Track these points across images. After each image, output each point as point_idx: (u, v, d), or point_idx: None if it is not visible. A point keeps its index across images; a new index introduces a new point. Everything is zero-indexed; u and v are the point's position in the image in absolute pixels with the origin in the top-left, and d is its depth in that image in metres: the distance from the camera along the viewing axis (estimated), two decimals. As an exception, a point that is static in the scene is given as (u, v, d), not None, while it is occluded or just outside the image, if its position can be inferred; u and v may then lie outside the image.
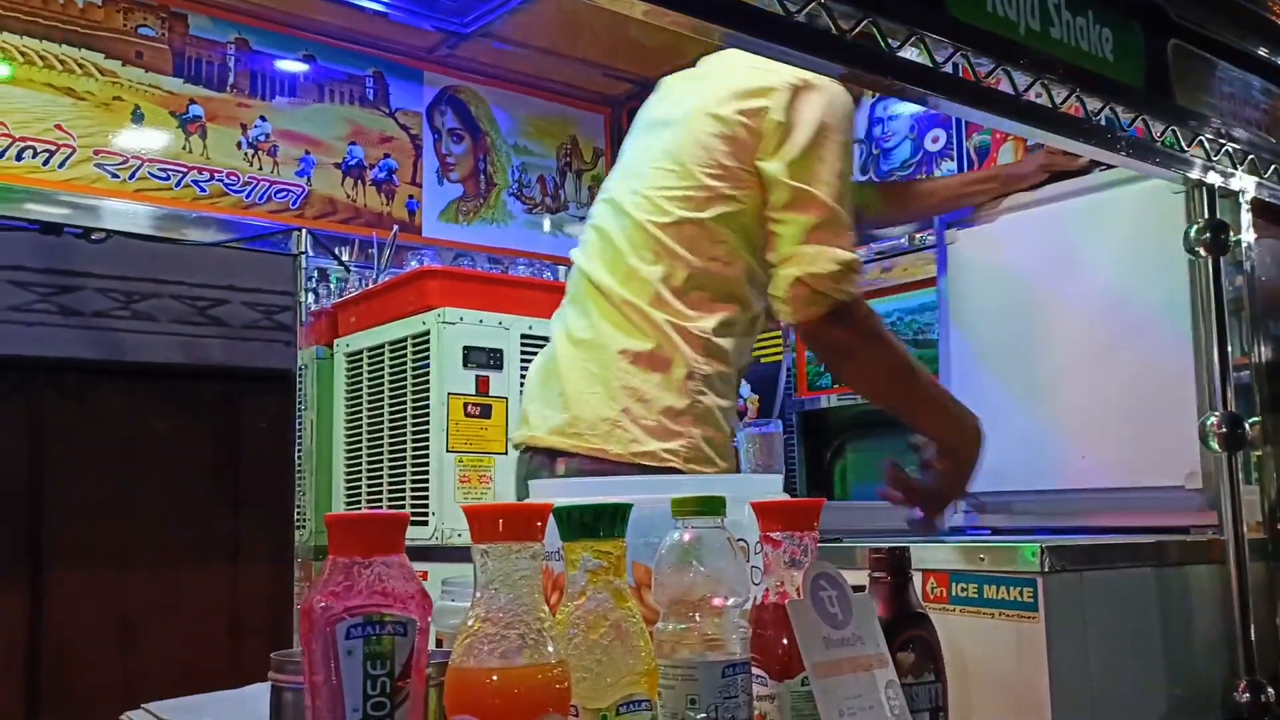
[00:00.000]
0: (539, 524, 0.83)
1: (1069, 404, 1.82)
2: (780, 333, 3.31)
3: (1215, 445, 1.39)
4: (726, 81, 1.77)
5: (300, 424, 3.07)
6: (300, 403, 3.07)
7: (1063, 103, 1.23)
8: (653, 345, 1.73)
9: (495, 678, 0.79)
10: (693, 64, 1.99)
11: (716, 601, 0.95)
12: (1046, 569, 1.17)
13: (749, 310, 1.80)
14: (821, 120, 1.69)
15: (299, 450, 3.06)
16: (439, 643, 1.10)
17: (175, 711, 1.73)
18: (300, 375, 3.08)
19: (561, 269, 3.65)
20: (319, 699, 0.77)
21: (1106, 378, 1.76)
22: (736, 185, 1.73)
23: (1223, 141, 1.44)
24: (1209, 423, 1.38)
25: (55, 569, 3.81)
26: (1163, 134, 1.36)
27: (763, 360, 3.36)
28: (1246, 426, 1.40)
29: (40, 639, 3.76)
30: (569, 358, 1.79)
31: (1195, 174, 1.41)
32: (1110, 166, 1.75)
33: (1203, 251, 1.40)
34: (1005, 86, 1.18)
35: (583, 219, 3.86)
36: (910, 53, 1.10)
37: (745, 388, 3.38)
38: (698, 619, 0.94)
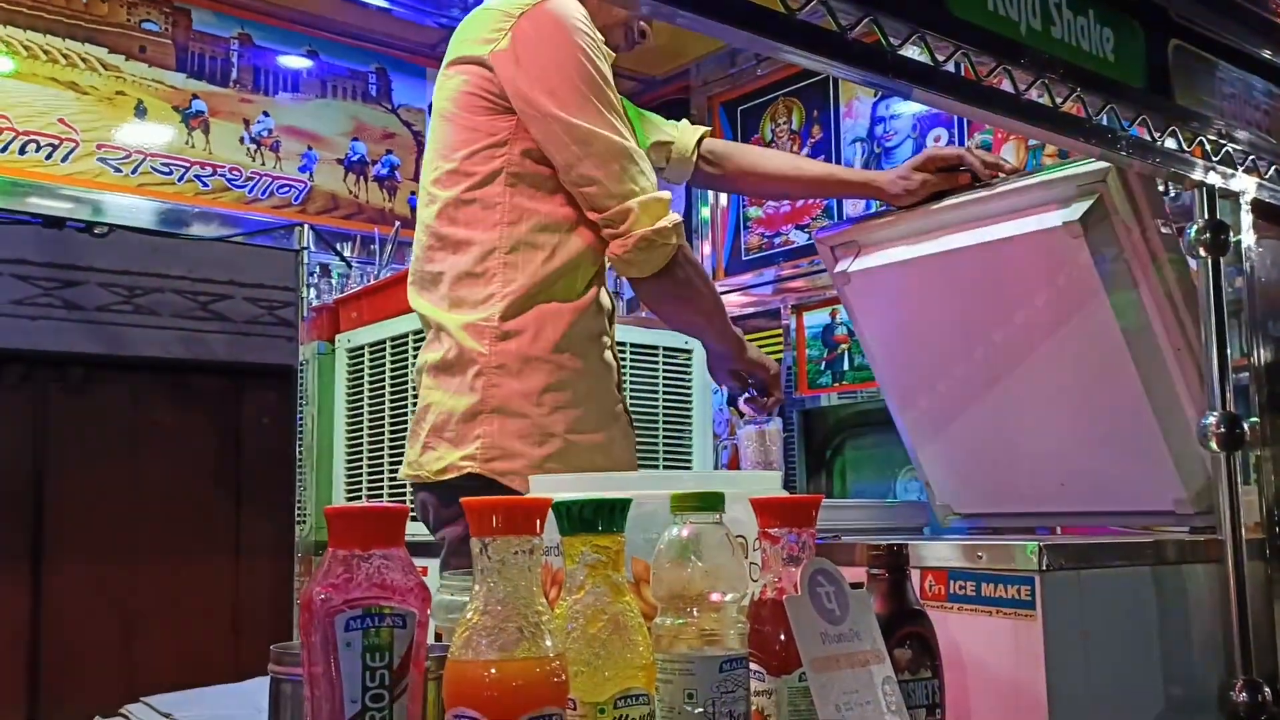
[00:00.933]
0: (538, 518, 0.83)
1: (1032, 433, 1.72)
2: (781, 331, 3.31)
3: (1214, 445, 1.39)
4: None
5: (302, 419, 3.07)
6: (302, 398, 3.08)
7: (1063, 102, 1.23)
8: (446, 351, 1.69)
9: (493, 670, 0.79)
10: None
11: (714, 597, 0.95)
12: (1044, 567, 1.17)
13: (548, 280, 1.69)
14: None
15: (300, 445, 3.06)
16: (438, 637, 1.10)
17: (174, 704, 1.74)
18: (302, 370, 3.09)
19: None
20: (318, 690, 0.78)
21: (1062, 407, 1.66)
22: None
23: (1223, 142, 1.44)
24: (1208, 422, 1.38)
25: (57, 561, 3.82)
26: (1163, 134, 1.36)
27: (764, 358, 3.36)
28: (1245, 427, 1.40)
29: (42, 631, 3.77)
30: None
31: (1196, 174, 1.42)
32: (994, 190, 1.71)
33: (1203, 252, 1.40)
34: (1006, 86, 1.18)
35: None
36: (911, 51, 1.10)
37: (746, 386, 3.37)
38: (696, 614, 0.95)
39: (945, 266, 1.70)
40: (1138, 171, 1.45)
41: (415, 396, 2.61)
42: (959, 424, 1.79)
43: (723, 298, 1.98)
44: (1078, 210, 1.50)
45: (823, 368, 3.21)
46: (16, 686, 3.70)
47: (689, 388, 3.01)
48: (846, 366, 3.15)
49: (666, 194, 1.71)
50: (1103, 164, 1.47)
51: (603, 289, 1.76)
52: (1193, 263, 1.47)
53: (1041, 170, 1.67)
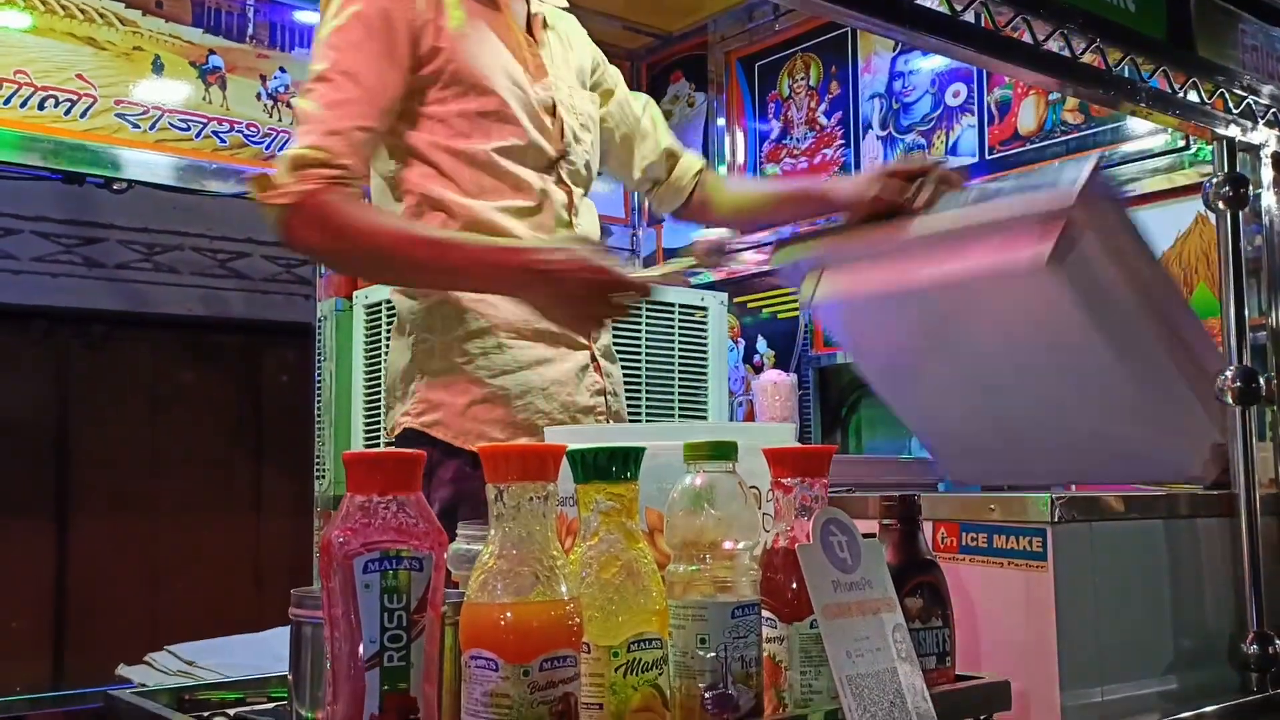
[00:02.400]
0: (552, 464, 0.85)
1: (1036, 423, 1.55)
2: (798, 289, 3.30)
3: (1230, 399, 1.39)
4: None
5: (320, 375, 3.09)
6: (320, 354, 3.10)
7: (1082, 53, 1.22)
8: (399, 316, 1.67)
9: (509, 613, 0.81)
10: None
11: (727, 545, 0.96)
12: (1056, 519, 1.18)
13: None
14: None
15: (319, 401, 3.08)
16: (454, 586, 1.12)
17: (197, 652, 1.77)
18: (320, 327, 3.10)
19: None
20: (337, 632, 0.79)
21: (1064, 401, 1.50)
22: None
23: (1244, 95, 1.43)
24: (1224, 377, 1.38)
25: (81, 515, 3.87)
26: (1184, 86, 1.35)
27: (779, 316, 3.37)
28: (1261, 382, 1.40)
29: (67, 584, 3.83)
30: None
31: (1216, 127, 1.40)
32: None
33: (1221, 205, 1.39)
34: (1025, 36, 1.18)
35: (601, 173, 3.86)
36: (929, 1, 1.09)
37: (762, 343, 3.39)
38: (709, 561, 0.96)
39: (916, 295, 1.52)
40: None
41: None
42: (955, 419, 1.65)
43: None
44: (1046, 247, 1.29)
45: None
46: (43, 637, 3.77)
47: (704, 344, 3.02)
48: (863, 324, 3.14)
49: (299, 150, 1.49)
50: (1070, 188, 1.28)
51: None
52: (1212, 216, 1.46)
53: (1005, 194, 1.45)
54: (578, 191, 1.72)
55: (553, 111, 1.68)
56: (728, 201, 1.97)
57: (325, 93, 1.50)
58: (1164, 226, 2.50)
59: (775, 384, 2.83)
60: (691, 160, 1.97)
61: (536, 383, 1.61)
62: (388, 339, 2.82)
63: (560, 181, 1.68)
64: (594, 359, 1.70)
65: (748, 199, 1.99)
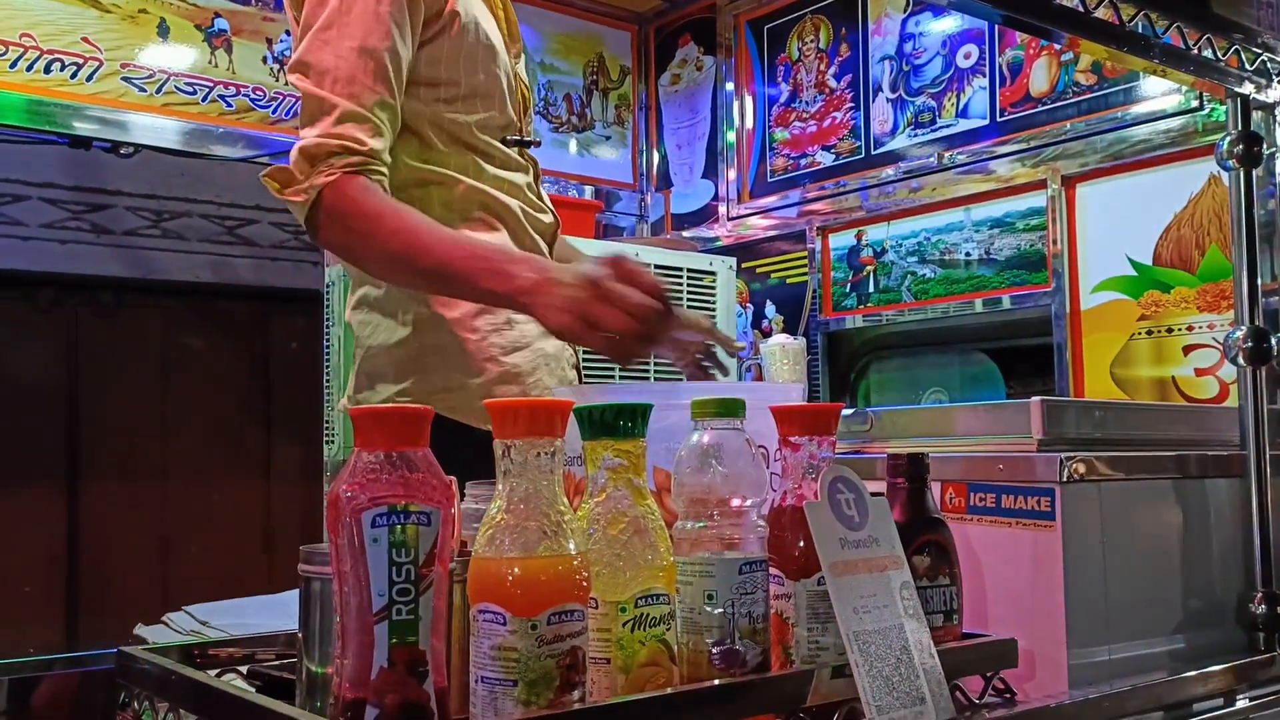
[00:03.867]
0: (559, 419, 0.84)
1: None
2: (806, 253, 3.29)
3: (1240, 360, 1.38)
4: None
5: (328, 341, 3.10)
6: (328, 320, 3.10)
7: (1096, 8, 1.21)
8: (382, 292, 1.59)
9: (517, 568, 0.81)
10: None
11: (735, 502, 0.96)
12: (1064, 479, 1.17)
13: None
14: None
15: (327, 366, 3.09)
16: (463, 544, 1.12)
17: (213, 613, 1.77)
18: (328, 293, 3.10)
19: (588, 188, 3.64)
20: (346, 586, 0.80)
21: None
22: None
23: (1259, 52, 1.41)
24: (1235, 336, 1.37)
25: (92, 481, 3.90)
26: (1198, 43, 1.33)
27: (788, 281, 3.36)
28: (1273, 341, 1.39)
29: (78, 549, 3.86)
30: None
31: (1230, 84, 1.39)
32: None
33: (1234, 164, 1.38)
34: (1037, -10, 1.16)
35: (609, 139, 3.85)
36: (940, -45, 1.08)
37: (770, 308, 3.38)
38: (716, 518, 0.96)
39: None
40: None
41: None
42: None
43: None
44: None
45: (848, 290, 3.20)
46: (55, 601, 3.81)
47: (713, 309, 3.01)
48: (871, 289, 3.14)
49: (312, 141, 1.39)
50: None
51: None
52: (1225, 176, 1.45)
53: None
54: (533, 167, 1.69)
55: (520, 80, 1.65)
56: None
57: (337, 68, 1.40)
58: (1177, 188, 2.48)
59: (784, 347, 2.82)
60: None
61: (541, 358, 1.58)
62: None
63: (524, 155, 1.65)
64: None
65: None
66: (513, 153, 1.60)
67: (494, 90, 1.56)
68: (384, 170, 1.42)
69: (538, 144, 1.65)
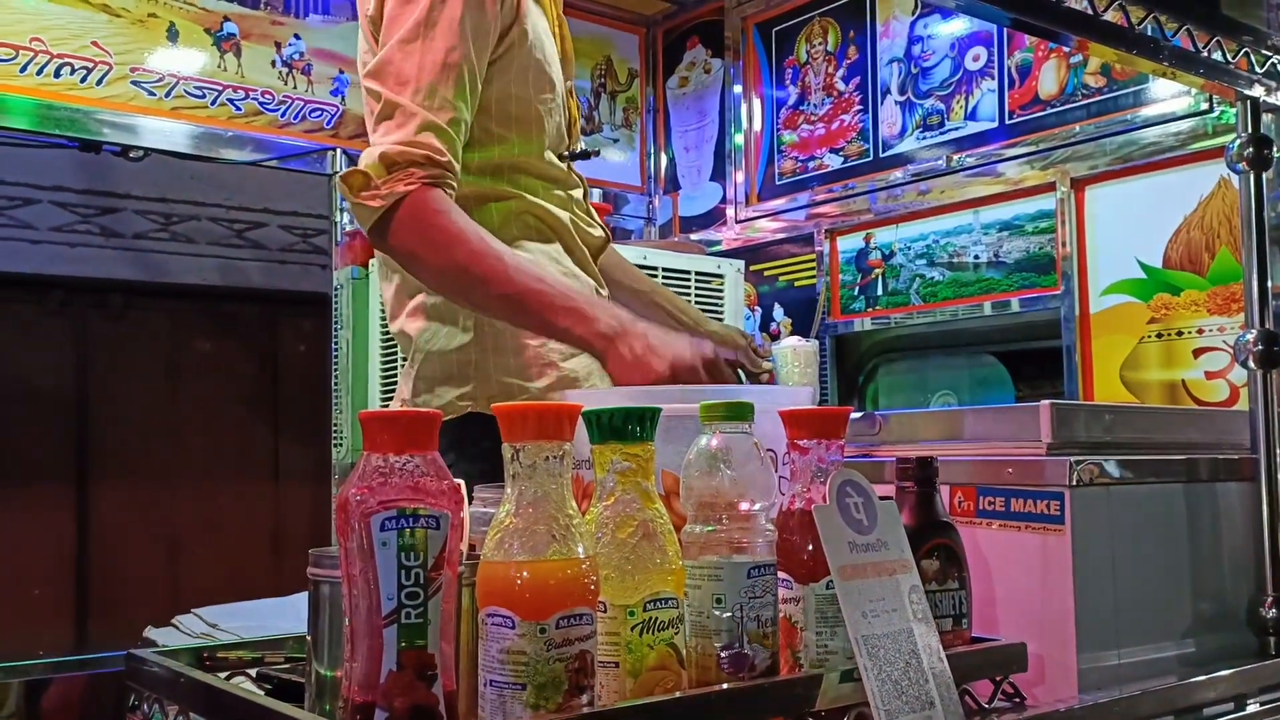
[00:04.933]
0: (568, 423, 0.84)
1: None
2: (814, 256, 3.29)
3: (1251, 363, 1.37)
4: None
5: (336, 344, 3.10)
6: (336, 323, 3.11)
7: (1105, 10, 1.20)
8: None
9: (526, 571, 0.81)
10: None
11: (743, 506, 0.96)
12: (1074, 483, 1.17)
13: None
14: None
15: (335, 369, 3.10)
16: (472, 548, 1.12)
17: (222, 616, 1.78)
18: (336, 296, 3.11)
19: (596, 191, 3.64)
20: (355, 589, 0.80)
21: None
22: None
23: (1269, 55, 1.40)
24: (1246, 339, 1.37)
25: (101, 484, 3.91)
26: (1208, 45, 1.33)
27: (796, 284, 3.36)
28: (1283, 345, 1.38)
29: (88, 550, 3.87)
30: None
31: (1240, 87, 1.38)
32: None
33: (1244, 166, 1.38)
34: (1046, -7, 1.16)
35: (617, 142, 3.85)
36: (948, -43, 1.07)
37: (778, 310, 3.38)
38: (725, 522, 0.96)
39: None
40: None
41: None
42: None
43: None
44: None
45: (856, 293, 3.20)
46: (64, 603, 3.82)
47: (721, 311, 3.01)
48: (880, 291, 3.13)
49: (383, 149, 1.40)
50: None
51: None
52: (1235, 179, 1.44)
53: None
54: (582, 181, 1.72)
55: (572, 94, 1.68)
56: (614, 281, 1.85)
57: (419, 79, 1.41)
58: (1186, 190, 2.47)
59: (795, 349, 2.79)
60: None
61: (595, 364, 1.57)
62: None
63: (572, 170, 1.67)
64: None
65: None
66: (564, 168, 1.62)
67: (550, 107, 1.58)
68: (457, 185, 1.44)
69: (595, 154, 1.66)
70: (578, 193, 1.67)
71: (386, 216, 1.38)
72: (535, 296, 1.39)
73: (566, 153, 1.65)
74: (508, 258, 1.40)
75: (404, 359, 1.65)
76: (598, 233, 1.70)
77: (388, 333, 2.90)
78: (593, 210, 1.72)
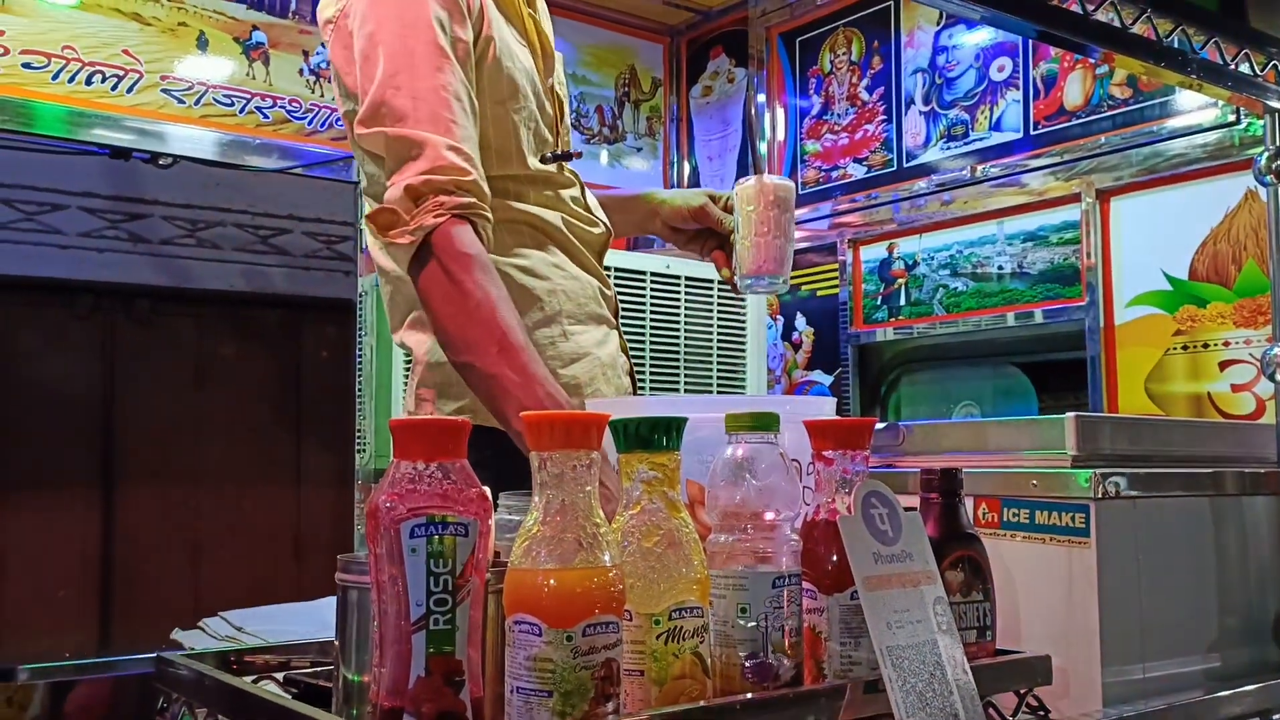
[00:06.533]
0: (595, 432, 0.85)
1: None
2: (837, 266, 3.29)
3: (1278, 376, 1.37)
4: None
5: (361, 350, 3.12)
6: (361, 329, 3.12)
7: (1133, 24, 1.20)
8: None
9: (553, 579, 0.81)
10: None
11: (768, 516, 0.97)
12: (1100, 495, 1.17)
13: None
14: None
15: (359, 376, 3.11)
16: (497, 555, 1.13)
17: (248, 619, 1.80)
18: (360, 302, 3.13)
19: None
20: (384, 595, 0.80)
21: None
22: None
23: (1298, 66, 1.40)
24: (1273, 353, 1.36)
25: (127, 487, 3.94)
26: (1235, 58, 1.33)
27: (819, 294, 3.35)
28: (1311, 359, 1.38)
29: (113, 554, 3.90)
30: None
31: (1268, 100, 1.38)
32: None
33: (1272, 179, 1.37)
34: (1074, 6, 1.16)
35: (640, 150, 3.86)
36: (976, -30, 1.08)
37: (800, 320, 3.38)
38: (750, 532, 0.96)
39: None
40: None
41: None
42: None
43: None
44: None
45: (879, 303, 3.19)
46: (89, 606, 3.85)
47: (743, 321, 3.01)
48: (903, 301, 3.13)
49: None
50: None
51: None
52: (1263, 191, 1.44)
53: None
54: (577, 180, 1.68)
55: (552, 95, 1.64)
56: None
57: (417, 110, 1.37)
58: (1213, 202, 2.46)
59: (761, 185, 1.98)
60: None
61: (598, 369, 1.57)
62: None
63: (563, 169, 1.64)
64: (621, 338, 1.67)
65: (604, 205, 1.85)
66: (552, 168, 1.61)
67: (525, 115, 1.56)
68: (488, 214, 1.39)
69: (578, 156, 1.65)
70: (570, 191, 1.63)
71: (420, 253, 1.34)
72: (504, 394, 1.30)
73: (550, 154, 1.60)
74: (510, 349, 1.32)
75: (407, 369, 1.62)
76: (598, 230, 1.67)
77: (411, 339, 2.92)
78: (593, 206, 1.69)
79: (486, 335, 1.31)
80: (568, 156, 1.62)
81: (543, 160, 1.59)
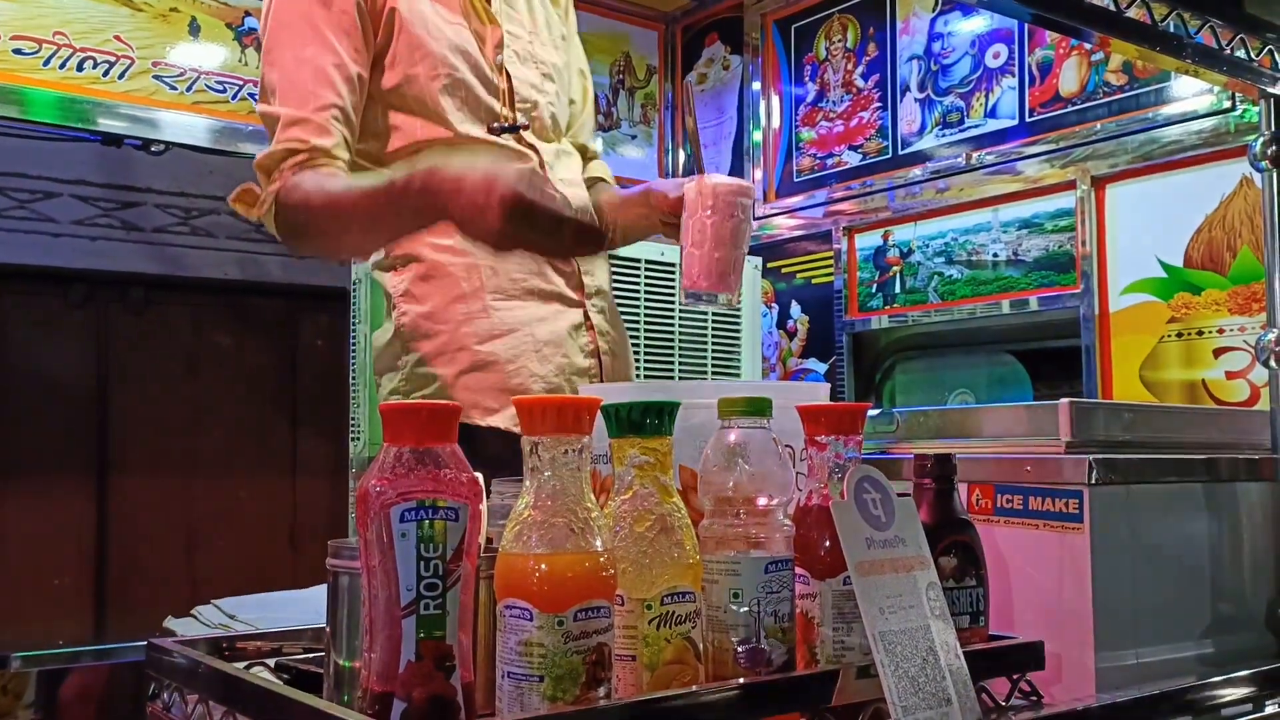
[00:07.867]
0: (587, 416, 0.85)
1: None
2: (832, 253, 3.29)
3: (1273, 363, 1.37)
4: None
5: (354, 338, 3.11)
6: (354, 318, 3.12)
7: (1127, 7, 1.20)
8: (382, 290, 1.67)
9: (544, 564, 0.81)
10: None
11: (761, 501, 0.96)
12: (1093, 481, 1.17)
13: None
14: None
15: (353, 364, 3.11)
16: (489, 541, 1.12)
17: (240, 607, 1.79)
18: (354, 291, 3.12)
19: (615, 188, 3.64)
20: (374, 580, 0.80)
21: None
22: None
23: (1294, 51, 1.39)
24: (1267, 339, 1.36)
25: (121, 476, 3.93)
26: (1231, 43, 1.32)
27: (814, 281, 3.35)
28: (1306, 345, 1.38)
29: (107, 542, 3.90)
30: None
31: (1263, 85, 1.38)
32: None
33: (1267, 165, 1.37)
34: (1068, -11, 1.15)
35: (635, 138, 3.85)
36: (971, -47, 1.07)
37: (795, 308, 3.38)
38: (742, 517, 0.96)
39: None
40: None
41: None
42: None
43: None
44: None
45: (873, 290, 3.19)
46: (84, 594, 3.84)
47: (738, 309, 3.01)
48: (898, 289, 3.12)
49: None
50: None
51: None
52: (1258, 178, 1.44)
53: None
54: (547, 148, 1.68)
55: (500, 69, 1.63)
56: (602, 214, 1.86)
57: (282, 81, 1.48)
58: (1208, 189, 2.46)
59: (699, 184, 1.92)
60: (595, 165, 1.89)
61: (529, 345, 1.57)
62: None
63: (522, 141, 1.64)
64: (587, 317, 1.66)
65: (607, 207, 1.86)
66: (507, 140, 1.60)
67: (449, 84, 1.57)
68: (331, 163, 1.45)
69: (525, 128, 1.64)
70: (527, 165, 1.60)
71: (271, 217, 1.43)
72: (387, 205, 1.37)
73: (497, 126, 1.61)
74: (369, 189, 1.39)
75: None
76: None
77: (406, 327, 2.91)
78: (557, 180, 1.64)
79: (368, 212, 1.38)
80: (513, 129, 1.63)
81: (490, 131, 1.60)
